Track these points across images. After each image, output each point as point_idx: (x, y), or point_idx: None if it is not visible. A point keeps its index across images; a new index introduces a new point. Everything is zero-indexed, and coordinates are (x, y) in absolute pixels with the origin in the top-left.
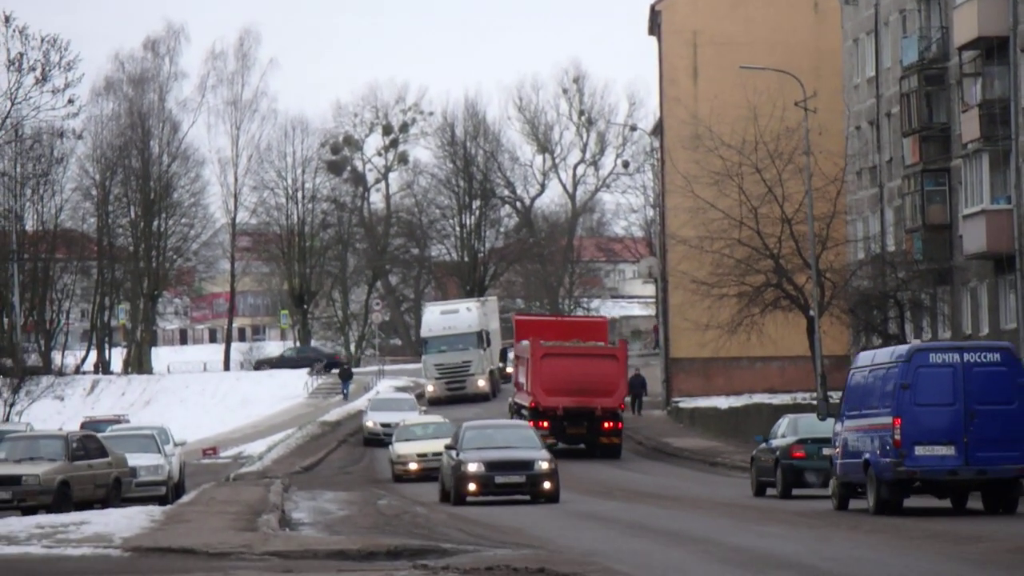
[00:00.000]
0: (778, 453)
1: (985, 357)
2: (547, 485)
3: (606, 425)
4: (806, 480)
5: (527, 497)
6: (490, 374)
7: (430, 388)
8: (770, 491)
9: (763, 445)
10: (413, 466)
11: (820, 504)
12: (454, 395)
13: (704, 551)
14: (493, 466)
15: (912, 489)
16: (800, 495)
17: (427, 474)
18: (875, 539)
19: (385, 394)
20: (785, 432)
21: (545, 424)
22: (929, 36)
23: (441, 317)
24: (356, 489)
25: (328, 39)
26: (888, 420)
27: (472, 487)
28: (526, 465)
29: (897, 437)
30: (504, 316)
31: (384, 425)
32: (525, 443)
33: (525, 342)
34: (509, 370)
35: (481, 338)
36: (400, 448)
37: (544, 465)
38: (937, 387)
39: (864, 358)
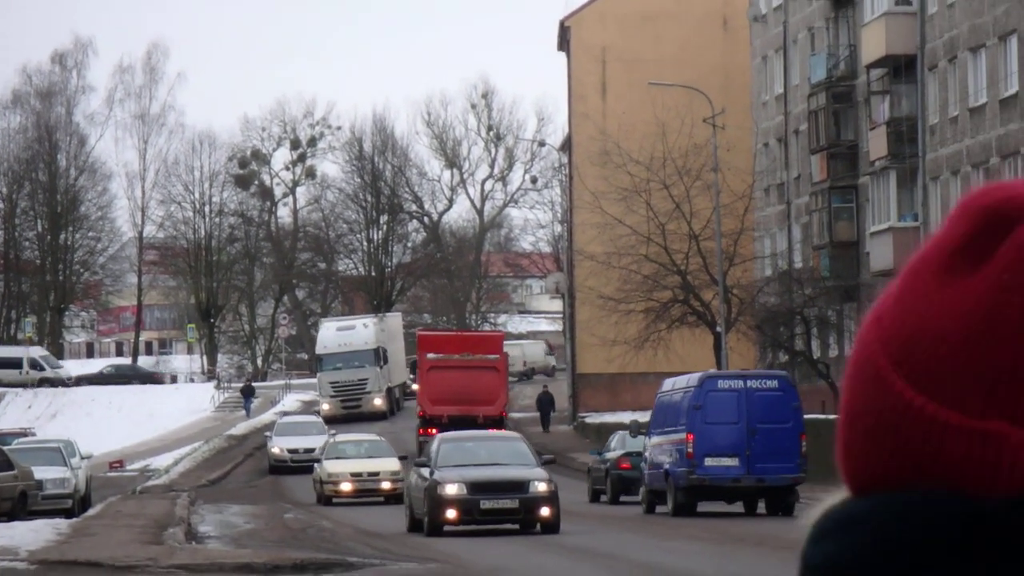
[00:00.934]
0: (608, 464)
1: (765, 383)
2: (545, 512)
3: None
4: (633, 489)
5: (517, 527)
6: (388, 392)
7: (325, 406)
8: (603, 498)
9: (596, 457)
10: (347, 486)
11: (635, 509)
12: (350, 413)
13: (610, 567)
14: (477, 488)
15: (703, 495)
16: (627, 501)
17: (362, 495)
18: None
19: (291, 417)
20: (615, 446)
21: (433, 431)
22: (837, 54)
23: (337, 334)
24: (262, 503)
25: (236, 53)
26: (683, 436)
27: (451, 514)
28: (518, 487)
29: (690, 450)
30: (410, 331)
31: (292, 451)
32: (515, 459)
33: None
34: (415, 387)
35: (378, 355)
36: (331, 466)
37: (541, 487)
38: (724, 408)
39: (667, 384)
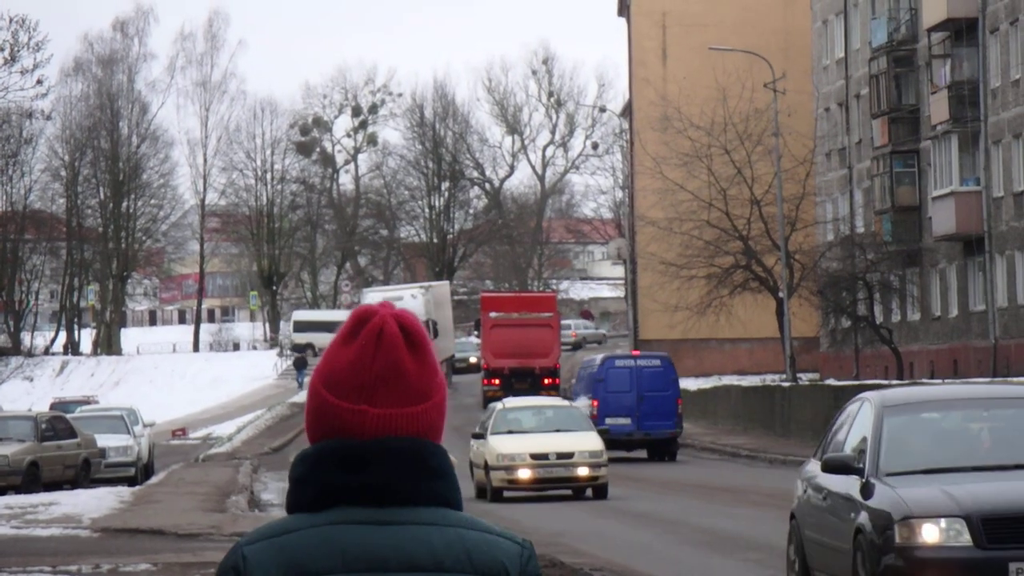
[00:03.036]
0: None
1: (651, 362)
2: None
3: (545, 381)
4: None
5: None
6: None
7: None
8: None
9: None
10: (525, 473)
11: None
12: None
13: (672, 532)
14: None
15: (606, 445)
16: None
17: (546, 486)
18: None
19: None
20: None
21: (496, 381)
22: (898, 18)
23: None
24: None
25: (297, 20)
26: (590, 401)
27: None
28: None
29: (594, 412)
30: (473, 298)
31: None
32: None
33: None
34: (472, 359)
35: (428, 328)
36: (502, 444)
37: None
38: (620, 381)
39: (586, 363)
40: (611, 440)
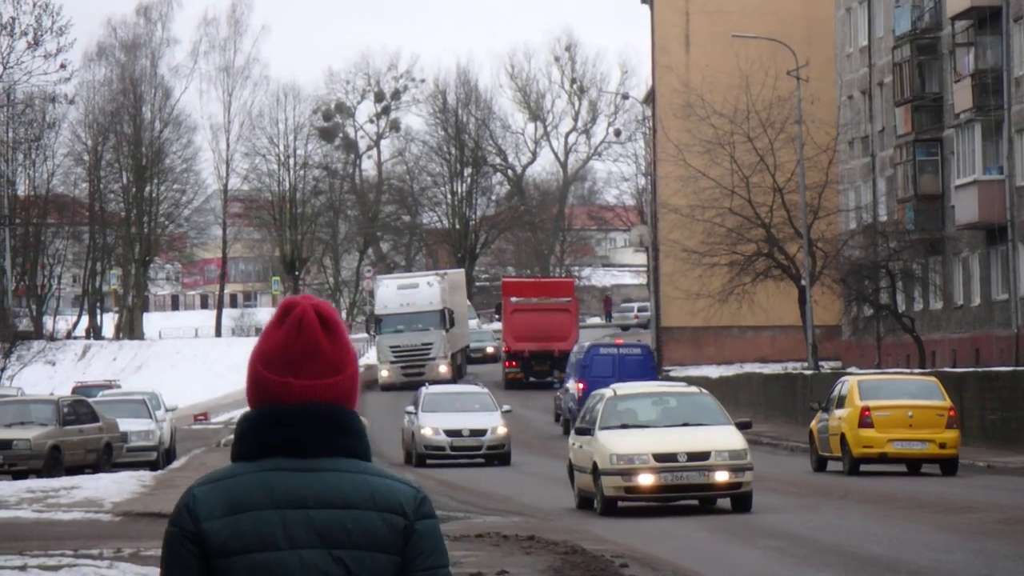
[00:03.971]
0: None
1: (632, 350)
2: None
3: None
4: None
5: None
6: (452, 359)
7: (384, 373)
8: None
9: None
10: (647, 480)
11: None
12: (411, 381)
13: (695, 519)
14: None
15: None
16: None
17: (674, 493)
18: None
19: (445, 387)
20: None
21: (515, 363)
22: (922, 5)
23: (398, 293)
24: None
25: (320, 5)
26: (578, 385)
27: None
28: (705, 455)
29: (580, 395)
30: (496, 284)
31: (451, 434)
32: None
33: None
34: (489, 349)
35: (444, 317)
36: (616, 442)
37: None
38: (603, 366)
39: (574, 348)
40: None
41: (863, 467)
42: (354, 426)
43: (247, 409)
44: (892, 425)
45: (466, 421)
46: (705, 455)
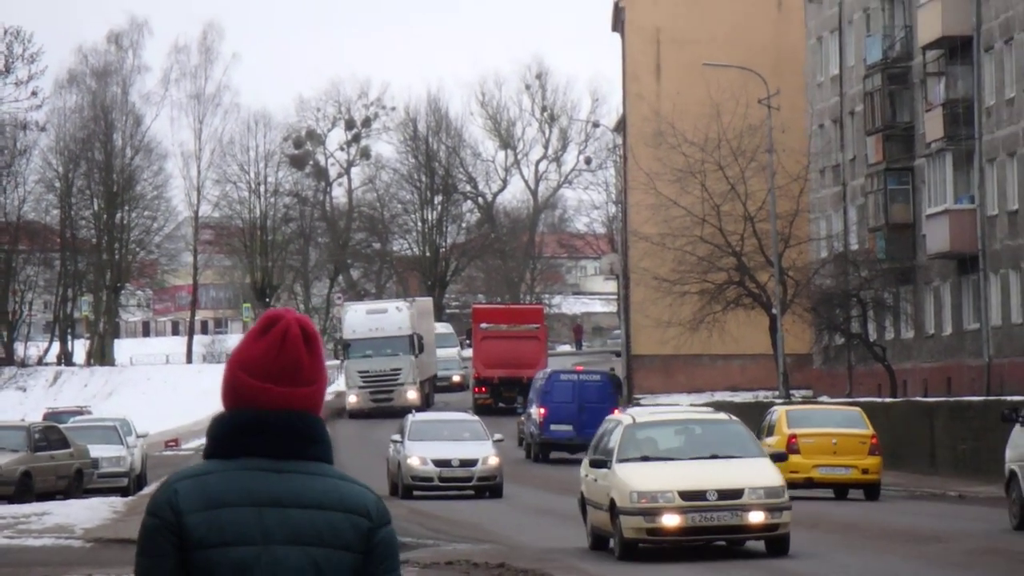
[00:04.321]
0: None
1: (592, 377)
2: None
3: None
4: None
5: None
6: (421, 385)
7: (352, 398)
8: None
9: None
10: (672, 521)
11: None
12: (379, 407)
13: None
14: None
15: (552, 448)
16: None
17: (699, 539)
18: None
19: (433, 414)
20: None
21: (484, 389)
22: (893, 35)
23: (367, 317)
24: None
25: (291, 34)
26: (539, 410)
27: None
28: (738, 493)
29: (541, 420)
30: (466, 311)
31: (440, 464)
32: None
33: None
34: (455, 377)
35: (413, 343)
36: (637, 477)
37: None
38: (563, 393)
39: (538, 376)
40: (555, 443)
41: (791, 492)
42: (323, 434)
43: (221, 410)
44: (817, 452)
45: (456, 450)
46: (738, 493)
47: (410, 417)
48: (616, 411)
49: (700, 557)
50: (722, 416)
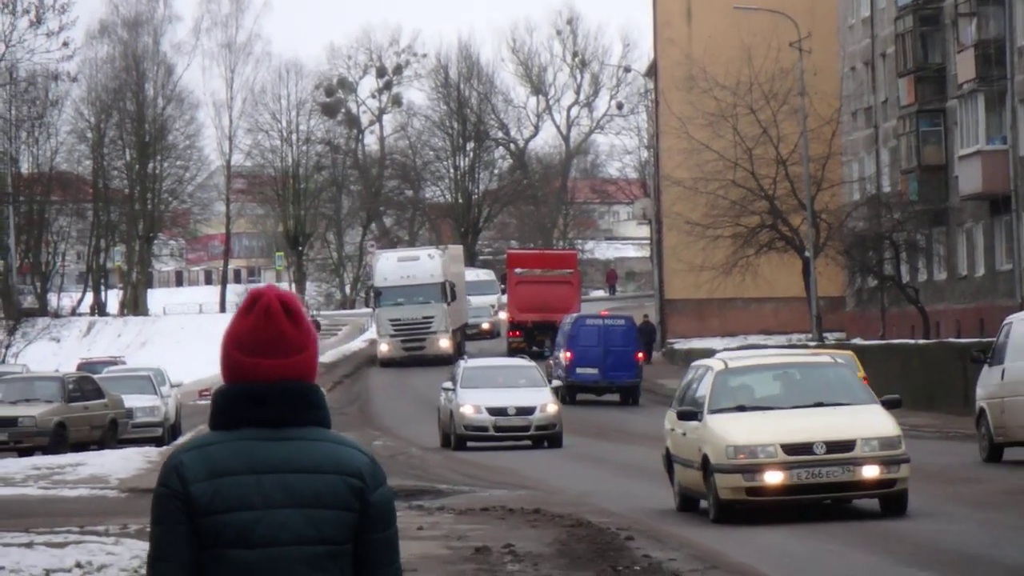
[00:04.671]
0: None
1: (616, 321)
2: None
3: None
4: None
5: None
6: (453, 334)
7: (384, 347)
8: None
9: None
10: (775, 478)
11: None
12: (412, 355)
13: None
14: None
15: (578, 390)
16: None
17: (806, 497)
18: None
19: (486, 360)
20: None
21: (519, 333)
22: None
23: (399, 265)
24: (351, 430)
25: None
26: (567, 354)
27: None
28: (849, 445)
29: (568, 364)
30: (499, 258)
31: (495, 412)
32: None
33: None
34: (494, 318)
35: (445, 290)
36: (733, 429)
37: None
38: (589, 337)
39: (565, 319)
40: (581, 386)
41: None
42: (317, 399)
43: (222, 384)
44: None
45: (511, 398)
46: (849, 444)
47: (462, 363)
48: (640, 355)
49: (803, 518)
50: (825, 358)
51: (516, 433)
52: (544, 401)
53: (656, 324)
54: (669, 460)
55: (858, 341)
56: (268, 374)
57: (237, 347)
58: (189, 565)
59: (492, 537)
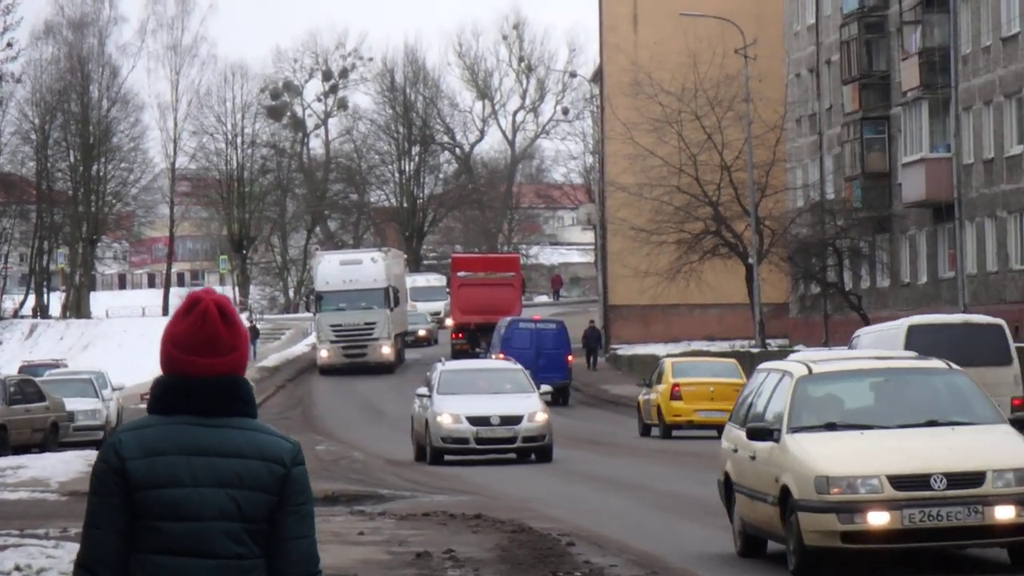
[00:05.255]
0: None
1: (548, 325)
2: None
3: None
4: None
5: None
6: (395, 340)
7: (324, 353)
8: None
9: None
10: (879, 519)
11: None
12: (353, 363)
13: (639, 498)
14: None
15: None
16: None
17: (922, 545)
18: None
19: (466, 362)
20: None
21: (461, 335)
22: None
23: (341, 268)
24: (294, 434)
25: None
26: (501, 355)
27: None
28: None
29: None
30: (444, 262)
31: (476, 422)
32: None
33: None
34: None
35: (388, 295)
36: (824, 454)
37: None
38: (522, 340)
39: (499, 324)
40: None
41: (675, 432)
42: (245, 392)
43: (160, 375)
44: (697, 398)
45: (496, 405)
46: (977, 478)
47: (439, 366)
48: (570, 357)
49: (914, 571)
50: (937, 363)
51: (500, 445)
52: (532, 409)
53: (600, 329)
54: (728, 489)
55: (800, 348)
56: (202, 370)
57: (174, 345)
58: (120, 533)
59: (433, 542)
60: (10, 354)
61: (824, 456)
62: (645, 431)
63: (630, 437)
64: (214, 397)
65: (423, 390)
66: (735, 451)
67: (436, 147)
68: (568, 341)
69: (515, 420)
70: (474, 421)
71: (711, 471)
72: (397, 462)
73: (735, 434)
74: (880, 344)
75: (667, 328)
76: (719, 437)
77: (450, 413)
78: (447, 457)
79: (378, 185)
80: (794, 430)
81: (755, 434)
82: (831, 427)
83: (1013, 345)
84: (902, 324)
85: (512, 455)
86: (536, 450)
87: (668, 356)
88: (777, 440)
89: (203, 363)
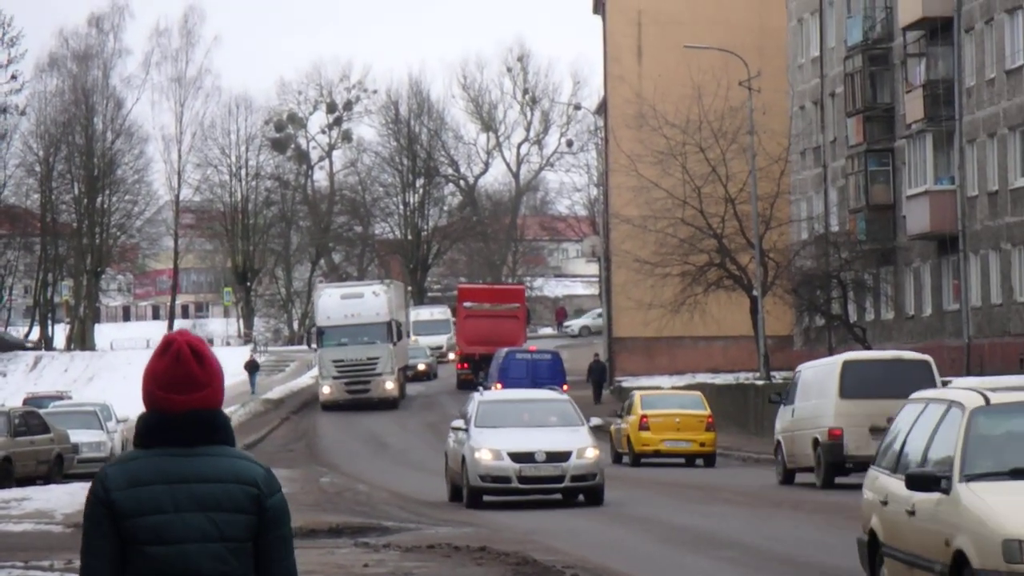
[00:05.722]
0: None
1: (543, 356)
2: None
3: None
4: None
5: None
6: (398, 374)
7: (326, 389)
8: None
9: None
10: None
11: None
12: (356, 399)
13: (645, 530)
14: None
15: None
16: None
17: None
18: None
19: (505, 392)
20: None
21: (467, 365)
22: (874, 16)
23: (342, 303)
24: (298, 467)
25: (272, 16)
26: (497, 385)
27: None
28: None
29: None
30: (449, 294)
31: (519, 459)
32: None
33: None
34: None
35: (391, 329)
36: (1010, 510)
37: None
38: (518, 370)
39: (498, 353)
40: None
41: (643, 460)
42: (221, 423)
43: (144, 411)
44: (664, 429)
45: (541, 440)
46: None
47: (477, 396)
48: (565, 387)
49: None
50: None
51: (546, 485)
52: (582, 444)
53: (605, 362)
54: (874, 550)
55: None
56: (179, 406)
57: (154, 383)
58: (111, 559)
59: (438, 574)
60: (15, 386)
61: (1013, 512)
62: (616, 459)
63: (617, 468)
64: (192, 429)
65: (459, 423)
66: (885, 503)
67: (440, 179)
68: (563, 371)
69: (563, 456)
70: (516, 457)
71: (716, 504)
72: (402, 495)
73: (883, 482)
74: (818, 378)
75: (671, 360)
76: (686, 465)
77: (489, 448)
78: (486, 498)
79: (382, 217)
80: (969, 478)
81: (917, 482)
82: (1018, 475)
83: (939, 380)
84: (837, 360)
85: (558, 495)
86: (585, 490)
87: (638, 389)
88: (947, 491)
89: (180, 400)
